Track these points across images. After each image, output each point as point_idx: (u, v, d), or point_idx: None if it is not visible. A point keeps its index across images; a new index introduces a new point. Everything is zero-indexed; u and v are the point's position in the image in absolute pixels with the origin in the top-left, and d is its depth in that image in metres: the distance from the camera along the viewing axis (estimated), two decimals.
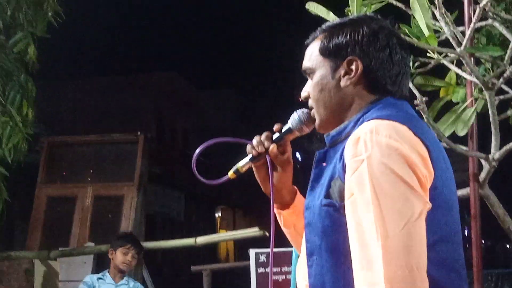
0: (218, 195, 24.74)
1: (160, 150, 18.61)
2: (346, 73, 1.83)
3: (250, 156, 2.01)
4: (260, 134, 2.02)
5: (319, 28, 1.92)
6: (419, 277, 1.54)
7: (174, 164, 21.15)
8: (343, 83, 1.83)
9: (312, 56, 1.90)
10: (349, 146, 1.67)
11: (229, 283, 15.42)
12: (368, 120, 1.70)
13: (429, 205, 1.62)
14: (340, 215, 1.68)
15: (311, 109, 1.92)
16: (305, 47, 1.94)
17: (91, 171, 9.34)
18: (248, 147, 2.01)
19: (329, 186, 1.73)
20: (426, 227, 1.61)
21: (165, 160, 19.15)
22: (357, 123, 1.77)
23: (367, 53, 1.81)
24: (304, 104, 1.95)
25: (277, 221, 2.07)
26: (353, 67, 1.81)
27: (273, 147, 1.98)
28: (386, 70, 1.81)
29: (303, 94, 1.92)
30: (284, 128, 1.99)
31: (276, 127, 2.01)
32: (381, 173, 1.59)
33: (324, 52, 1.86)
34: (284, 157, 2.02)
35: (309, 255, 1.79)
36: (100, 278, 5.32)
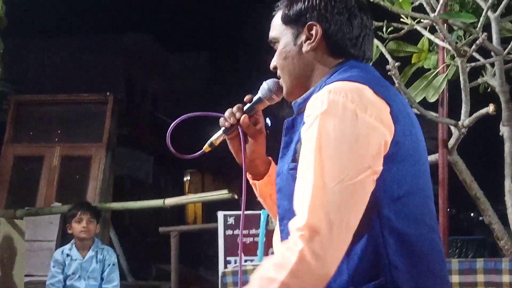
0: (187, 158, 24.67)
1: (129, 112, 18.47)
2: (307, 39, 1.86)
3: (223, 128, 2.06)
4: (231, 101, 2.09)
5: None
6: (337, 235, 1.59)
7: (143, 126, 21.04)
8: (304, 48, 1.86)
9: (276, 25, 1.94)
10: (308, 106, 1.73)
11: (196, 246, 15.49)
12: (330, 83, 1.74)
13: (376, 170, 1.65)
14: None
15: (279, 78, 1.96)
16: (271, 18, 1.97)
17: (59, 131, 9.23)
18: (221, 120, 2.05)
19: (295, 151, 1.78)
20: (391, 181, 1.67)
21: (134, 122, 19.03)
22: (321, 88, 1.78)
23: (325, 17, 1.84)
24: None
25: (248, 187, 2.08)
26: (313, 32, 1.85)
27: (244, 118, 2.02)
28: (346, 33, 1.84)
29: (272, 64, 1.96)
30: (254, 98, 2.04)
31: (246, 98, 2.05)
32: (331, 130, 1.64)
33: (286, 20, 1.90)
34: (257, 127, 2.06)
35: (281, 219, 1.83)
36: (68, 255, 5.24)
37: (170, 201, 7.02)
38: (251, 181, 2.13)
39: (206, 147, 2.10)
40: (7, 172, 8.65)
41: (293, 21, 1.88)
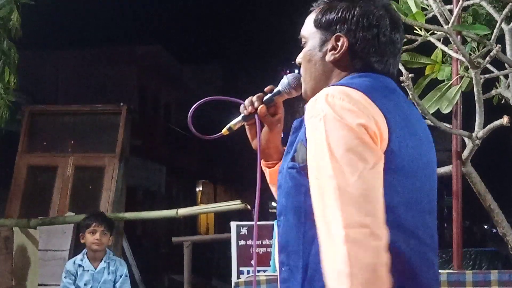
0: (199, 169, 24.73)
1: (142, 123, 18.53)
2: (332, 48, 1.90)
3: (242, 115, 2.16)
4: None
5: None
6: (376, 224, 1.61)
7: (156, 137, 21.09)
8: (328, 57, 1.91)
9: (307, 25, 1.99)
10: (308, 108, 1.78)
11: (209, 256, 15.49)
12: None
13: (382, 157, 1.68)
14: (301, 176, 1.78)
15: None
16: (307, 14, 2.02)
17: (73, 141, 9.26)
18: (241, 107, 2.16)
19: (295, 150, 1.83)
20: (384, 190, 1.67)
21: (147, 133, 19.08)
22: None
23: (354, 33, 1.88)
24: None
25: (262, 193, 2.11)
26: (340, 43, 1.89)
27: (261, 107, 2.12)
28: (371, 51, 1.87)
29: (297, 60, 2.02)
30: (274, 91, 2.13)
31: (267, 88, 2.15)
32: (336, 129, 1.68)
33: (317, 24, 1.95)
34: (275, 118, 2.16)
35: (279, 215, 1.89)
36: (80, 265, 5.22)
37: (183, 211, 7.02)
38: (263, 168, 2.22)
39: (224, 131, 2.19)
40: (21, 181, 8.68)
41: (324, 27, 1.93)
